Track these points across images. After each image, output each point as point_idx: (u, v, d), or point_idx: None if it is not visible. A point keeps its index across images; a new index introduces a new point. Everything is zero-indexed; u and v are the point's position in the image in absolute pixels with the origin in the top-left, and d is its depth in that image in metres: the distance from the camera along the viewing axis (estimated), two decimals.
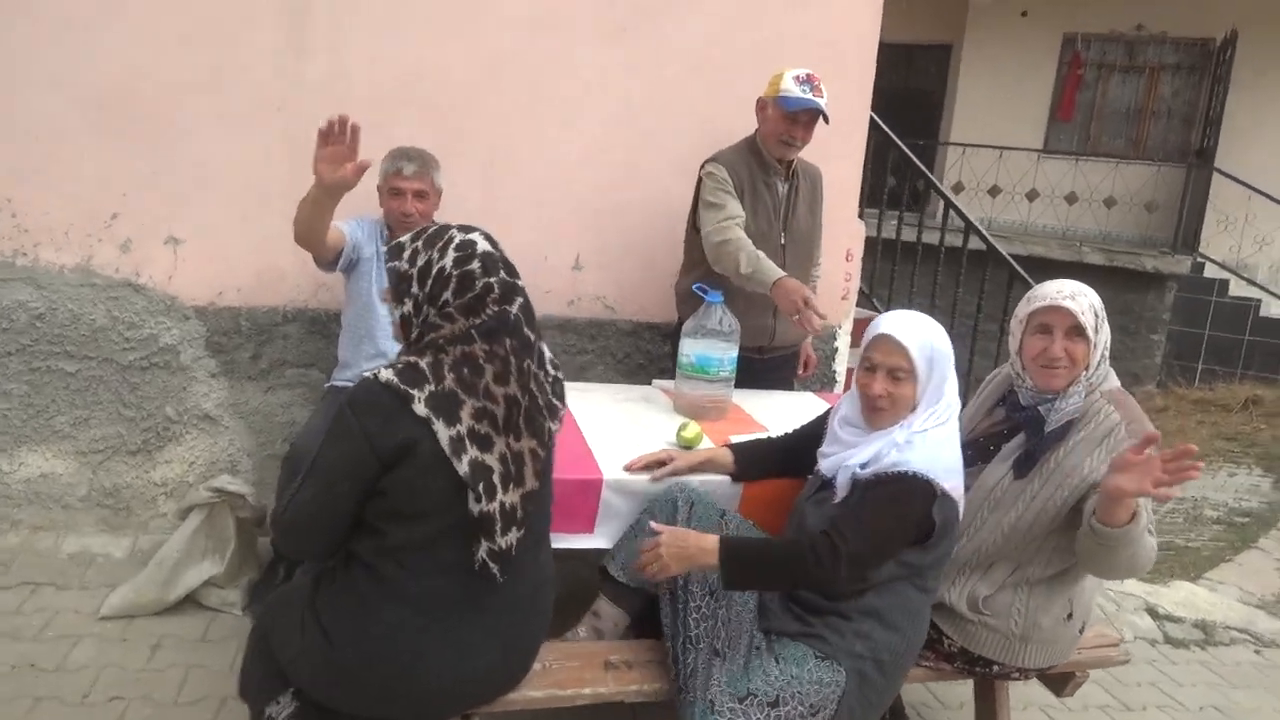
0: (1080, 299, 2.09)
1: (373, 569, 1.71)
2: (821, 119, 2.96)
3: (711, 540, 1.90)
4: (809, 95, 2.90)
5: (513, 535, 1.72)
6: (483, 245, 1.74)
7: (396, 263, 1.73)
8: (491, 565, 1.70)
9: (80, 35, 2.96)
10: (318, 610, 1.75)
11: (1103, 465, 2.02)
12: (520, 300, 1.75)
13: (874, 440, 2.01)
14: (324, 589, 1.78)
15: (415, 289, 1.70)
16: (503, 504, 1.69)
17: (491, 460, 1.67)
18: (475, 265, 1.70)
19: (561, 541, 2.13)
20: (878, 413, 2.02)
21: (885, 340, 2.00)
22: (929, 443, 1.98)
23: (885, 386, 1.99)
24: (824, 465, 2.11)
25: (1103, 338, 2.11)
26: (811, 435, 2.28)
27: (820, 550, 1.85)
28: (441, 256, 1.70)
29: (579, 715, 2.13)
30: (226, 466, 3.29)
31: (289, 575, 2.83)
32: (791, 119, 2.95)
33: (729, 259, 2.85)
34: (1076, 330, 2.07)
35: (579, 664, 2.03)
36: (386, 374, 1.62)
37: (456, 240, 1.72)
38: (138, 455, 3.21)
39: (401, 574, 1.70)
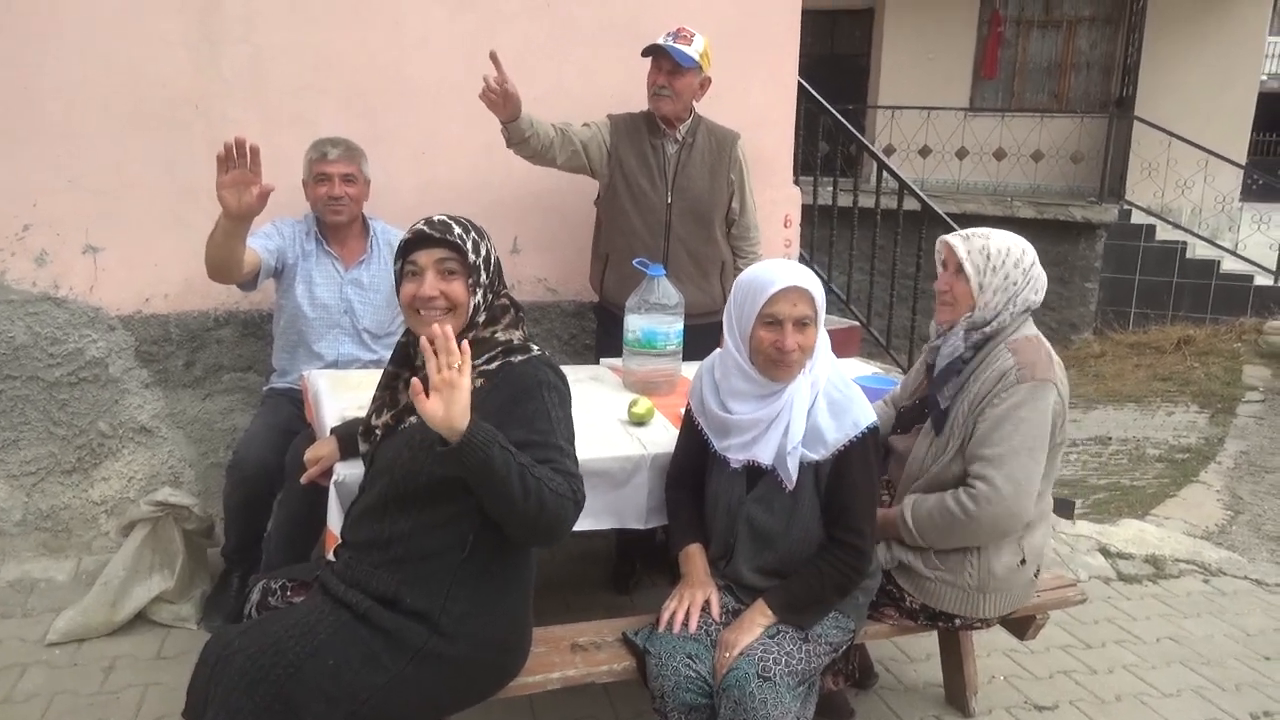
0: (974, 240, 2.20)
1: (501, 543, 1.76)
2: (704, 74, 3.04)
3: (760, 611, 1.98)
4: (669, 43, 2.96)
5: None
6: None
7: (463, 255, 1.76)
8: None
9: None
10: (436, 619, 1.73)
11: (987, 412, 2.11)
12: None
13: (783, 410, 1.96)
14: (443, 589, 1.75)
15: (484, 278, 1.80)
16: None
17: None
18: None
19: None
20: (788, 367, 1.95)
21: (789, 292, 1.93)
22: (848, 387, 2.03)
23: (796, 339, 1.93)
24: (744, 455, 2.00)
25: (992, 281, 2.15)
26: (694, 454, 2.15)
27: (851, 561, 2.00)
28: (490, 243, 1.84)
29: (554, 699, 2.10)
30: (168, 479, 3.18)
31: (243, 586, 2.76)
32: (656, 66, 3.01)
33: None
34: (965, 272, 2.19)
35: (545, 648, 2.01)
36: (535, 349, 1.82)
37: (484, 228, 1.85)
38: (73, 474, 3.09)
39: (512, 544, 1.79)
